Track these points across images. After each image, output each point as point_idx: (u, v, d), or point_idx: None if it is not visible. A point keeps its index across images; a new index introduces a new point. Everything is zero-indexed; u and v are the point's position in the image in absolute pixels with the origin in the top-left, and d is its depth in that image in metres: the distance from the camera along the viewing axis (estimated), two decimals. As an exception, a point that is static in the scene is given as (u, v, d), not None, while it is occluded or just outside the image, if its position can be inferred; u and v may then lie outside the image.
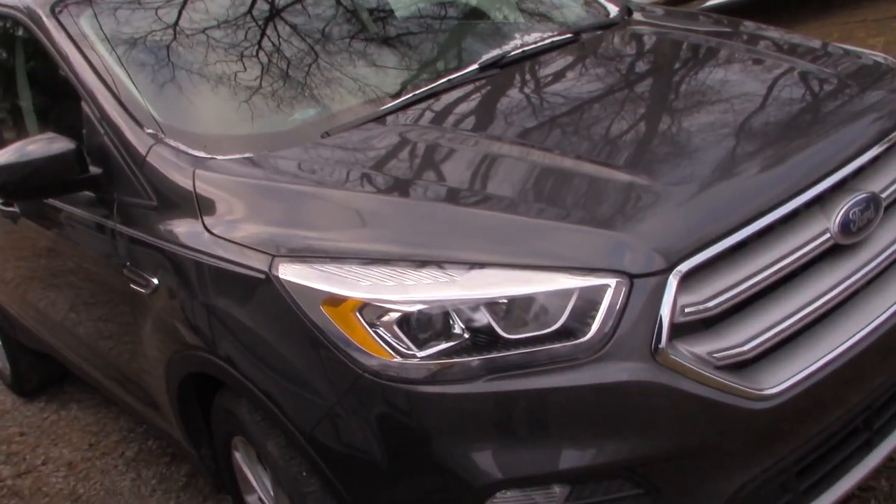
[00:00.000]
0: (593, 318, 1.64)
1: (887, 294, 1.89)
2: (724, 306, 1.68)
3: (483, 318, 1.67)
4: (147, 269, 2.27)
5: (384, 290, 1.72)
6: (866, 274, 1.86)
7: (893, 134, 2.02)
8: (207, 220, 2.09)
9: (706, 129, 2.04)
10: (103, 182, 2.42)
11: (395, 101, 2.35)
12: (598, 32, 2.78)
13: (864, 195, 1.86)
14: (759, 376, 1.70)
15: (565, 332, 1.65)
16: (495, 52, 2.60)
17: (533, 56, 2.58)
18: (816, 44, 2.60)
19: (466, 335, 1.68)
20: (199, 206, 2.12)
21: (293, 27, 2.63)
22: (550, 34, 2.73)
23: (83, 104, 2.48)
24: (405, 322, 1.69)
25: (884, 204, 1.90)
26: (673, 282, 1.64)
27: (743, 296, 1.70)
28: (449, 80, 2.43)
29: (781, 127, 2.01)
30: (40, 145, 2.38)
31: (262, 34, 2.59)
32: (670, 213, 1.74)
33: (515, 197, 1.85)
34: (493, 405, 1.66)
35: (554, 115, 2.24)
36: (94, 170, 2.42)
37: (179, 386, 2.32)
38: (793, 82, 2.29)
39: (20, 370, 4.23)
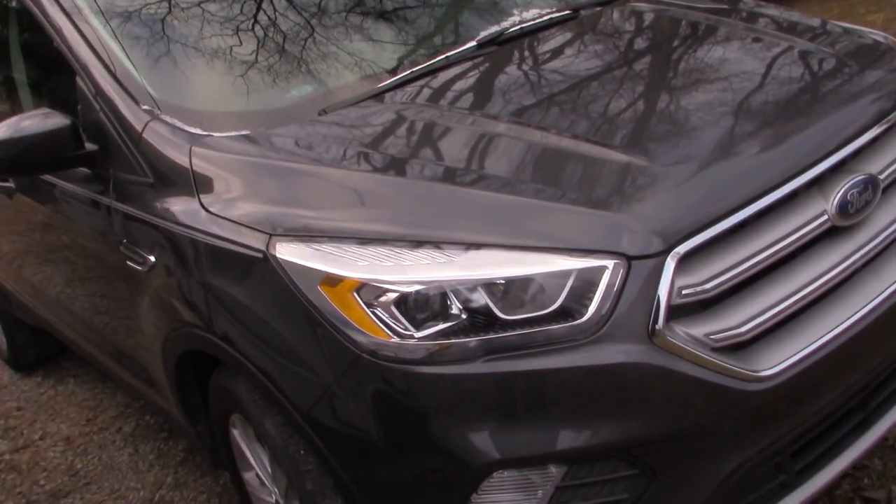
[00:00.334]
0: (591, 299, 1.64)
1: (884, 276, 1.89)
2: (722, 288, 1.68)
3: (480, 298, 1.67)
4: (143, 247, 2.26)
5: (382, 271, 1.71)
6: (864, 256, 1.85)
7: (892, 115, 2.01)
8: (204, 197, 2.08)
9: (705, 108, 2.03)
10: (99, 158, 2.41)
11: (393, 79, 2.34)
12: (598, 9, 2.76)
13: (862, 177, 1.85)
14: (755, 358, 1.70)
15: (563, 314, 1.65)
16: (493, 29, 2.58)
17: (531, 33, 2.56)
18: (815, 22, 2.58)
19: (464, 316, 1.68)
20: (196, 184, 2.11)
21: (290, 2, 2.60)
22: (549, 10, 2.71)
23: (78, 79, 2.47)
24: (403, 302, 1.69)
25: (882, 185, 1.89)
26: (671, 263, 1.64)
27: (740, 277, 1.70)
28: (447, 58, 2.41)
29: (780, 107, 2.00)
30: (35, 121, 2.36)
31: (259, 9, 2.56)
32: (668, 195, 1.74)
33: (513, 177, 1.84)
34: (490, 386, 1.67)
35: (552, 94, 2.22)
36: (89, 146, 2.40)
37: (176, 363, 2.32)
38: (792, 61, 2.28)
39: (17, 345, 4.24)
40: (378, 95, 2.28)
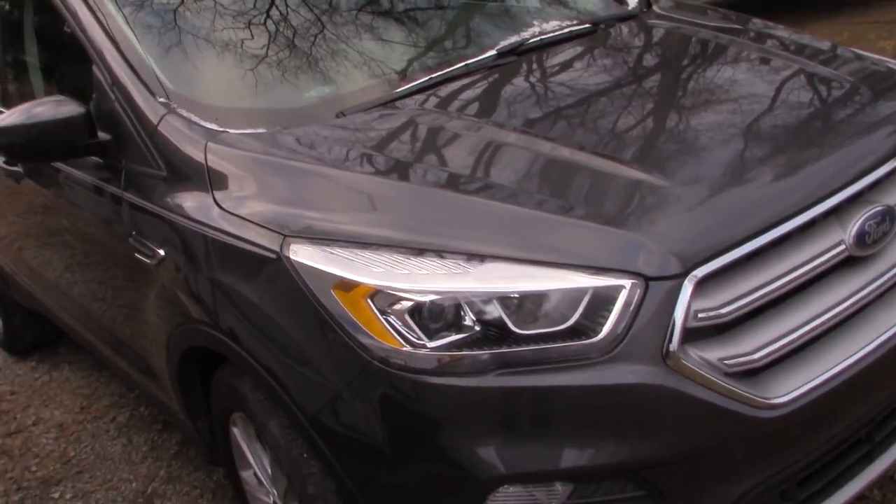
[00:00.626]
0: (606, 318, 1.64)
1: (896, 308, 1.89)
2: (738, 313, 1.68)
3: (495, 311, 1.67)
4: (153, 240, 2.25)
5: (396, 278, 1.70)
6: (878, 287, 1.85)
7: (911, 148, 2.01)
8: (218, 194, 2.07)
9: (726, 129, 2.02)
10: (111, 148, 2.40)
11: (411, 84, 2.33)
12: (617, 24, 2.76)
13: (879, 208, 1.85)
14: (767, 385, 1.69)
15: (577, 331, 1.64)
16: (513, 39, 2.58)
17: (551, 45, 2.56)
18: (828, 46, 2.58)
19: (477, 328, 1.67)
20: (210, 180, 2.10)
21: (310, 2, 2.59)
22: (569, 23, 2.70)
23: (94, 68, 2.45)
24: (416, 311, 1.68)
25: (899, 217, 1.89)
26: (688, 286, 1.64)
27: (756, 304, 1.70)
28: (465, 66, 2.41)
29: (800, 133, 2.00)
30: (48, 107, 2.35)
31: (279, 8, 2.55)
32: (686, 216, 1.74)
33: (529, 189, 1.84)
34: (500, 400, 1.66)
35: (570, 107, 2.22)
36: (102, 136, 2.39)
37: (180, 359, 2.30)
38: (810, 86, 2.28)
39: (13, 328, 4.22)
40: (396, 100, 2.27)
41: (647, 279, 1.64)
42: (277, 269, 1.86)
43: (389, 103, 2.26)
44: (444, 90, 2.32)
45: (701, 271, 1.65)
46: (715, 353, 1.66)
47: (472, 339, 1.67)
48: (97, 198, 2.54)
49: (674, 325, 1.63)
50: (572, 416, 1.65)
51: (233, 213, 2.01)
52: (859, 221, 1.82)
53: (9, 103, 3.15)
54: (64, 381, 4.01)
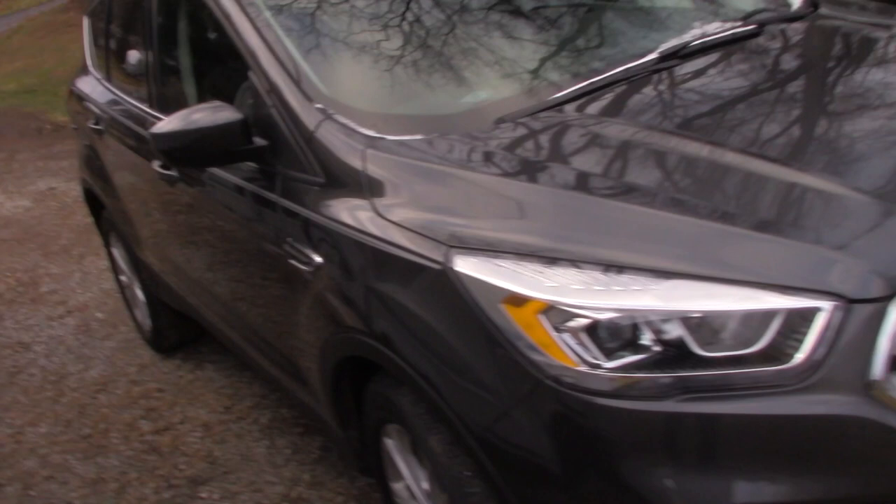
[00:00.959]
0: (801, 342, 1.51)
1: None
2: (951, 340, 1.52)
3: (676, 331, 1.56)
4: (310, 247, 2.24)
5: (572, 294, 1.62)
6: None
7: None
8: (377, 201, 2.04)
9: None
10: (267, 154, 2.41)
11: (571, 89, 2.23)
12: (784, 25, 2.60)
13: None
14: None
15: (768, 356, 1.53)
16: (674, 42, 2.45)
17: (715, 47, 2.42)
18: None
19: (657, 348, 1.57)
20: (370, 187, 2.07)
21: (466, 8, 2.54)
22: (732, 25, 2.56)
23: (250, 74, 2.47)
24: (593, 329, 1.60)
25: None
26: (894, 310, 1.49)
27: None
28: (626, 70, 2.30)
29: None
30: (206, 114, 2.38)
31: (434, 14, 2.51)
32: (889, 233, 1.59)
33: (711, 202, 1.72)
34: (683, 427, 1.56)
35: (743, 114, 2.09)
36: (258, 141, 2.40)
37: (335, 367, 2.29)
38: None
39: (160, 327, 4.35)
40: (557, 106, 2.19)
41: (848, 301, 1.50)
42: (441, 280, 1.81)
43: (549, 109, 2.17)
44: (606, 95, 2.22)
45: (911, 294, 1.50)
46: (925, 383, 1.51)
47: (651, 361, 1.57)
48: (250, 202, 2.55)
49: (878, 351, 1.49)
50: (762, 447, 1.54)
51: (393, 222, 1.98)
52: None
53: (164, 108, 3.22)
54: (207, 381, 4.10)
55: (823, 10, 2.76)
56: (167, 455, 3.51)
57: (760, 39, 2.48)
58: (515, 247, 1.74)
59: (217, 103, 2.43)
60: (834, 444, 1.52)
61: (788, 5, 2.78)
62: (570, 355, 1.61)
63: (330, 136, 2.21)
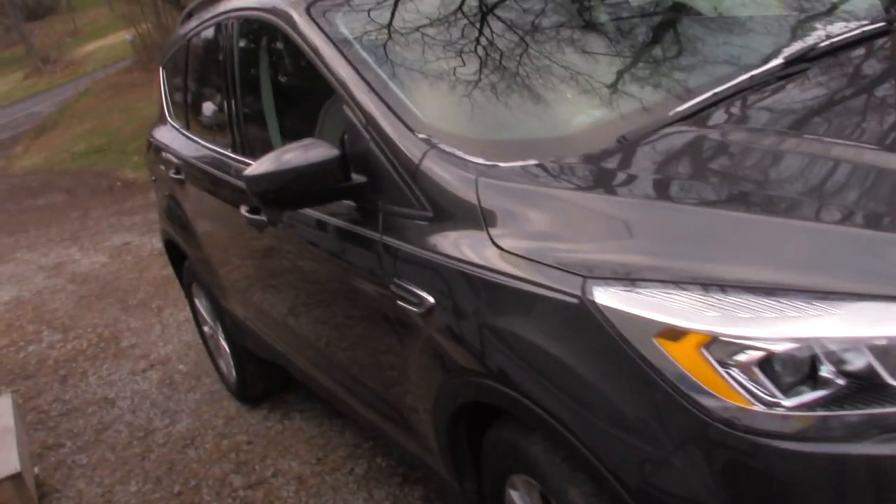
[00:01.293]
0: None
1: None
2: None
3: (862, 361, 1.37)
4: (420, 286, 2.08)
5: (738, 323, 1.44)
6: None
7: None
8: (495, 233, 1.88)
9: None
10: (367, 191, 2.27)
11: (695, 101, 2.06)
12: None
13: None
14: None
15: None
16: (798, 45, 2.26)
17: (844, 48, 2.23)
18: None
19: (840, 381, 1.37)
20: (484, 218, 1.92)
21: (570, 17, 2.39)
22: (860, 23, 2.36)
23: (345, 108, 2.34)
24: (767, 363, 1.41)
25: None
26: None
27: None
28: (752, 77, 2.12)
29: None
30: (297, 153, 2.26)
31: (533, 33, 2.36)
32: None
33: (872, 210, 1.52)
34: (887, 474, 1.35)
35: (886, 114, 1.89)
36: (356, 177, 2.27)
37: (452, 415, 2.12)
38: None
39: (246, 376, 4.24)
40: (682, 120, 2.01)
41: None
42: (579, 315, 1.63)
43: (675, 124, 2.00)
44: (734, 105, 2.04)
45: None
46: None
47: (837, 396, 1.37)
48: (349, 243, 2.42)
49: None
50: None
51: (516, 254, 1.82)
52: None
53: (249, 152, 3.13)
54: (297, 430, 3.96)
55: None
56: (263, 511, 3.37)
57: (893, 36, 2.28)
58: (662, 273, 1.56)
59: (309, 141, 2.31)
60: None
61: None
62: (741, 393, 1.42)
63: (437, 167, 2.06)
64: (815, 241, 1.49)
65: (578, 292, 1.64)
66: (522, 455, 1.91)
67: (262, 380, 4.23)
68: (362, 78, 2.32)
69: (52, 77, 30.55)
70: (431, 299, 2.05)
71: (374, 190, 2.25)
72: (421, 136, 2.14)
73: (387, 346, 2.38)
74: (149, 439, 4.20)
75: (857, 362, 1.37)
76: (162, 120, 4.38)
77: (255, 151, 3.10)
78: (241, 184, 3.08)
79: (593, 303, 1.60)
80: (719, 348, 1.44)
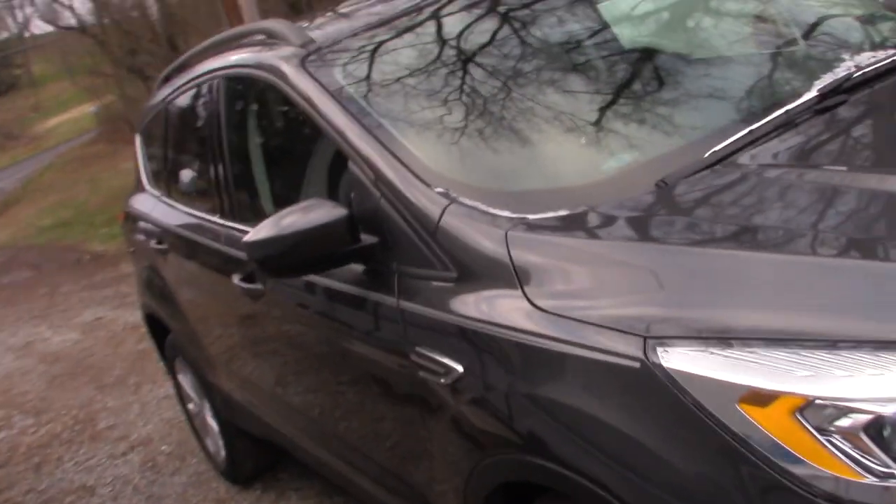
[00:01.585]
0: None
1: None
2: None
3: None
4: (446, 355, 1.89)
5: (836, 383, 1.26)
6: None
7: None
8: (531, 291, 1.71)
9: None
10: (378, 252, 2.10)
11: (731, 140, 1.91)
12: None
13: None
14: None
15: None
16: (830, 76, 2.14)
17: (880, 76, 2.10)
18: None
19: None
20: (518, 276, 1.74)
21: (587, 58, 2.26)
22: (887, 53, 2.25)
23: (350, 165, 2.18)
24: (876, 427, 1.23)
25: None
26: None
27: None
28: (787, 111, 1.99)
29: None
30: (297, 216, 2.09)
31: (553, 72, 2.23)
32: None
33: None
34: None
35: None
36: (366, 238, 2.09)
37: (487, 497, 1.91)
38: None
39: (236, 456, 3.99)
40: (721, 161, 1.86)
41: None
42: (641, 381, 1.45)
43: (716, 164, 1.85)
44: (773, 141, 1.90)
45: None
46: None
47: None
48: (360, 310, 2.23)
49: None
50: None
51: (557, 314, 1.64)
52: None
53: (237, 216, 2.95)
54: (295, 512, 3.71)
55: None
56: None
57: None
58: (737, 329, 1.39)
59: (310, 202, 2.14)
60: None
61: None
62: (847, 464, 1.24)
63: (459, 223, 1.89)
64: (884, 282, 1.33)
65: (639, 354, 1.46)
66: (573, 538, 1.71)
67: (253, 458, 3.98)
68: (368, 132, 2.16)
69: (16, 152, 30.29)
70: (460, 368, 1.86)
71: (386, 251, 2.08)
72: (438, 190, 1.97)
73: (406, 420, 2.18)
74: (134, 529, 3.93)
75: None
76: (139, 188, 4.18)
77: (247, 217, 2.92)
78: (231, 251, 2.91)
79: (660, 366, 1.42)
80: (816, 413, 1.27)
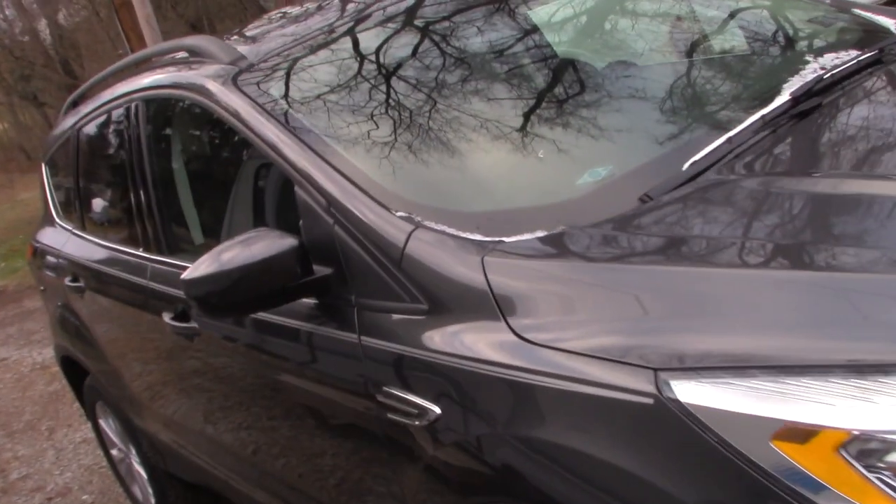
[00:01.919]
0: None
1: None
2: None
3: None
4: (420, 394, 1.72)
5: (886, 415, 1.14)
6: None
7: None
8: (516, 322, 1.55)
9: None
10: (333, 284, 1.91)
11: (710, 148, 1.80)
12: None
13: None
14: None
15: None
16: (799, 80, 2.06)
17: (847, 78, 2.03)
18: None
19: None
20: (499, 306, 1.59)
21: (552, 68, 2.13)
22: (847, 54, 2.19)
23: (298, 190, 1.99)
24: (929, 462, 1.12)
25: None
26: None
27: None
28: (762, 117, 1.89)
29: None
30: (237, 250, 1.90)
31: (523, 80, 2.09)
32: None
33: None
34: None
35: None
36: (319, 269, 1.91)
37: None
38: None
39: (168, 503, 3.72)
40: (702, 172, 1.74)
41: None
42: (655, 418, 1.31)
43: (698, 176, 1.73)
44: (754, 148, 1.79)
45: None
46: None
47: None
48: (312, 348, 2.04)
49: None
50: None
51: (550, 346, 1.49)
52: None
53: (162, 249, 2.72)
54: (236, 561, 3.45)
55: None
56: None
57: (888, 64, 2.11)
58: (757, 357, 1.26)
59: (253, 233, 1.94)
60: None
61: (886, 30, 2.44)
62: (901, 502, 1.12)
63: (428, 250, 1.73)
64: None
65: (651, 389, 1.32)
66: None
67: (186, 504, 3.72)
68: (316, 153, 1.97)
69: None
70: (437, 409, 1.68)
71: (343, 283, 1.89)
72: (400, 213, 1.80)
73: (374, 469, 2.00)
74: (58, 593, 3.62)
75: None
76: (48, 221, 3.87)
77: (174, 248, 2.69)
78: (158, 287, 2.68)
79: (676, 401, 1.28)
80: (862, 447, 1.15)
